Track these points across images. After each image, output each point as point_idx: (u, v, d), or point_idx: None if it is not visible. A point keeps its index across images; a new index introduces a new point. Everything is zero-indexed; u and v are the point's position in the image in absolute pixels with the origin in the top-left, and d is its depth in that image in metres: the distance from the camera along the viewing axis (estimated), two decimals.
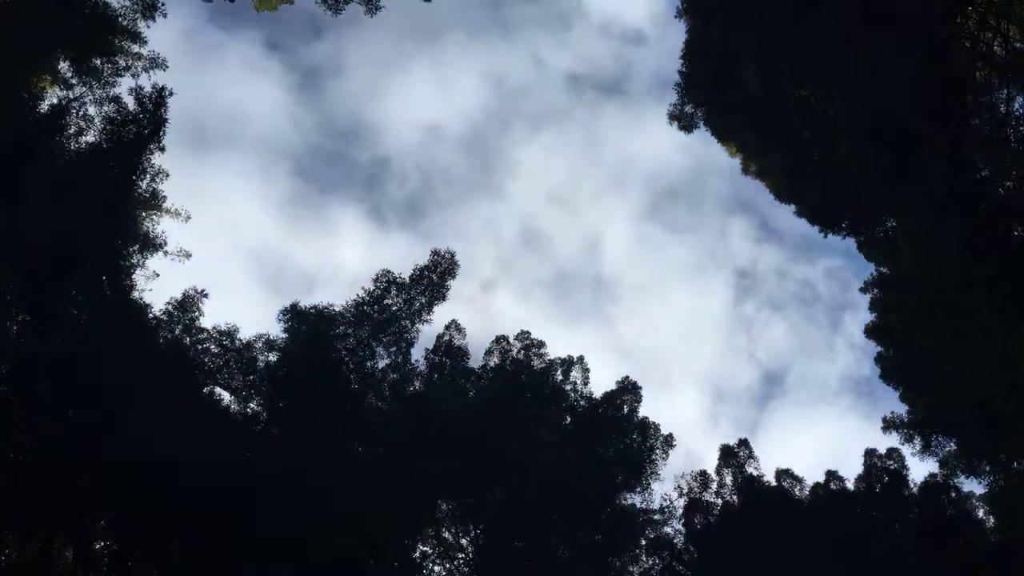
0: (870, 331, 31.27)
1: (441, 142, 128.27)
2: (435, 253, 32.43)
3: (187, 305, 28.63)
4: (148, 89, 27.62)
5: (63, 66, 29.06)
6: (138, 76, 29.17)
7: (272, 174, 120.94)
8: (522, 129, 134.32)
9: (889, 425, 32.41)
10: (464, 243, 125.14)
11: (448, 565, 35.19)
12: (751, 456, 39.82)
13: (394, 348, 32.15)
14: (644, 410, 38.69)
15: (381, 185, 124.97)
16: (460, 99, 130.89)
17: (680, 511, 38.25)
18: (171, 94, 27.56)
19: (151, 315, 27.51)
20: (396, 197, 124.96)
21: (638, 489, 36.99)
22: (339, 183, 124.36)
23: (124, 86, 29.66)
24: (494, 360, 38.71)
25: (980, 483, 32.72)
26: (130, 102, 27.53)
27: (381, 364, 32.53)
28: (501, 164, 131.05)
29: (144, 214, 29.92)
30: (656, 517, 37.44)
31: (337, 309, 31.16)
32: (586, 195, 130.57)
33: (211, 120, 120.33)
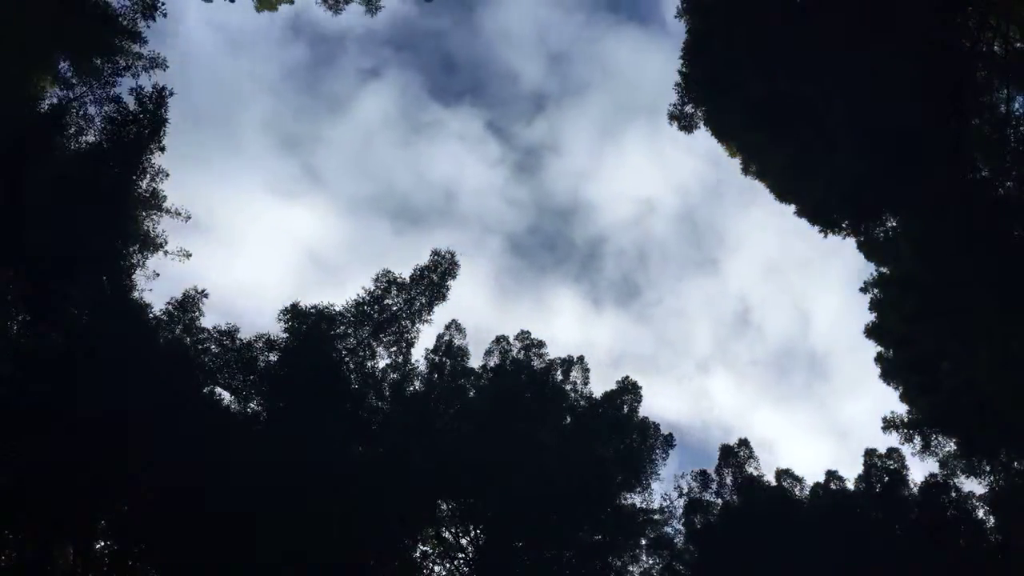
0: (870, 331, 31.24)
1: (656, 217, 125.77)
2: (435, 253, 32.45)
3: (187, 305, 28.63)
4: (148, 89, 27.63)
5: (63, 66, 29.04)
6: (138, 76, 29.13)
7: (485, 250, 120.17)
8: (736, 201, 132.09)
9: (889, 425, 32.40)
10: (680, 321, 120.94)
11: (448, 565, 35.20)
12: (751, 456, 39.83)
13: (394, 348, 32.17)
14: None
15: (596, 263, 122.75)
16: (675, 173, 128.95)
17: (680, 511, 38.28)
18: (171, 94, 27.55)
19: (151, 315, 27.50)
20: (611, 275, 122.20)
21: (638, 489, 37.05)
22: (554, 261, 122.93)
23: (124, 86, 29.67)
24: (494, 360, 38.73)
25: (980, 483, 32.77)
26: (130, 102, 27.54)
27: (381, 364, 32.57)
28: (716, 238, 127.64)
29: (144, 214, 29.88)
30: (656, 517, 37.47)
31: (337, 309, 31.18)
32: (800, 267, 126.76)
33: (424, 194, 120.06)
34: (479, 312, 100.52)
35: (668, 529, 37.85)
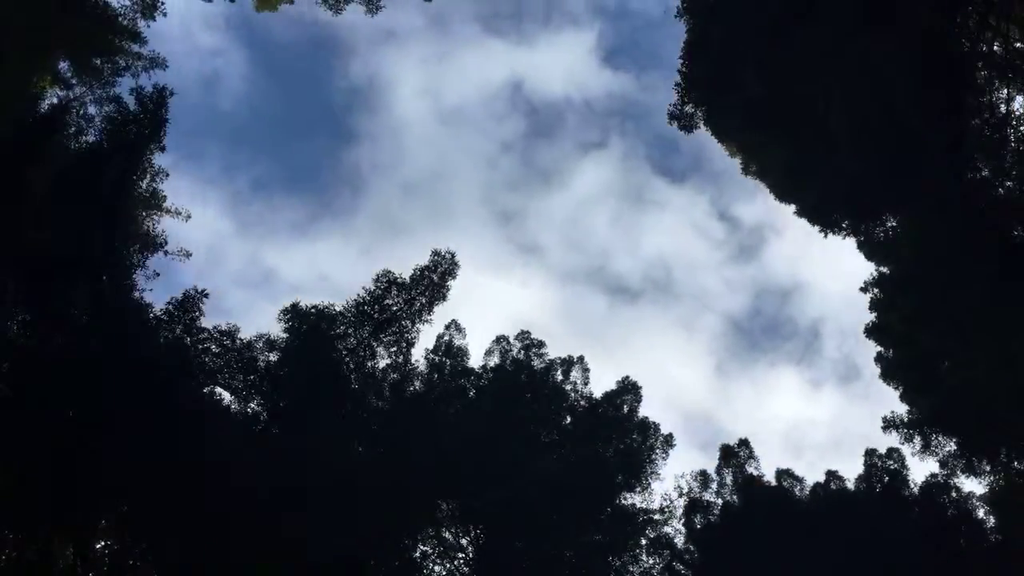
0: (870, 331, 31.26)
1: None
2: (435, 253, 32.37)
3: (187, 305, 28.58)
4: (149, 89, 27.62)
5: (63, 66, 29.09)
6: (138, 76, 29.25)
7: (703, 329, 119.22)
8: None
9: (889, 425, 32.39)
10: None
11: (448, 565, 35.21)
12: (751, 456, 39.82)
13: (394, 348, 32.12)
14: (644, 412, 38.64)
15: (816, 343, 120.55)
16: None
17: (680, 511, 38.27)
18: (172, 94, 27.49)
19: (151, 315, 27.47)
20: (832, 355, 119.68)
21: (638, 489, 37.03)
22: (773, 342, 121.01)
23: (125, 86, 29.70)
24: (494, 360, 38.73)
25: (980, 483, 32.76)
26: (131, 102, 27.52)
27: (381, 364, 32.52)
28: None
29: (144, 214, 29.94)
30: (656, 517, 37.44)
31: (338, 309, 31.13)
32: None
33: (640, 269, 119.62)
34: (695, 391, 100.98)
35: (668, 529, 37.85)
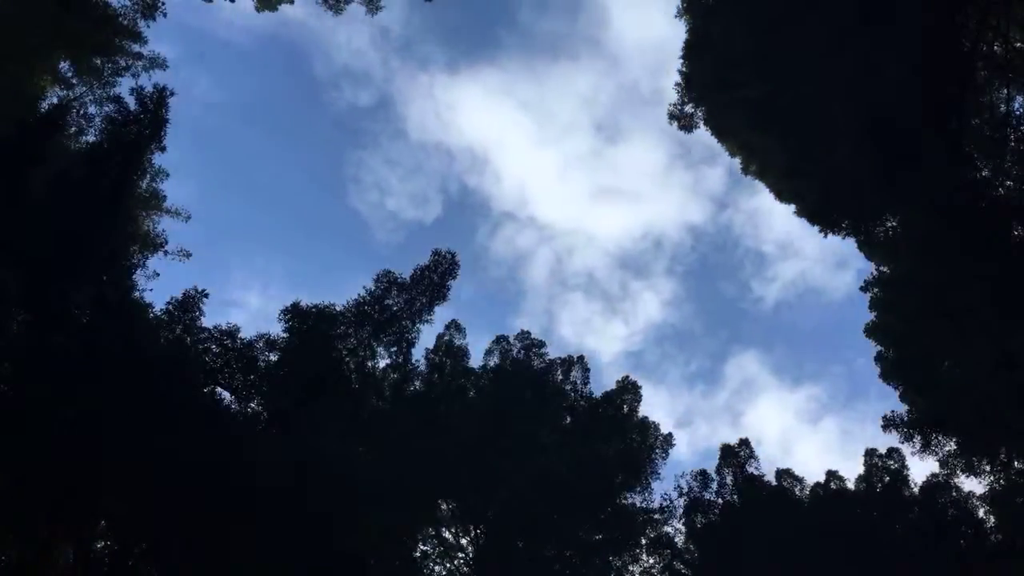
0: (870, 331, 31.24)
1: None
2: (436, 253, 32.40)
3: (187, 305, 28.59)
4: (149, 89, 27.62)
5: (63, 66, 29.09)
6: (138, 76, 29.29)
7: None
8: None
9: (889, 424, 32.37)
10: None
11: (448, 565, 35.22)
12: (751, 456, 39.83)
13: (395, 348, 32.10)
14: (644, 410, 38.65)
15: None
16: None
17: (681, 510, 38.28)
18: (172, 94, 27.52)
19: (151, 315, 27.47)
20: None
21: (638, 488, 37.04)
22: None
23: (125, 86, 29.73)
24: (494, 360, 38.74)
25: (980, 483, 32.75)
26: (131, 102, 27.52)
27: (382, 364, 32.52)
28: None
29: (144, 214, 29.97)
30: (656, 516, 37.47)
31: (338, 309, 31.14)
32: None
33: None
34: None
35: (668, 528, 37.89)
